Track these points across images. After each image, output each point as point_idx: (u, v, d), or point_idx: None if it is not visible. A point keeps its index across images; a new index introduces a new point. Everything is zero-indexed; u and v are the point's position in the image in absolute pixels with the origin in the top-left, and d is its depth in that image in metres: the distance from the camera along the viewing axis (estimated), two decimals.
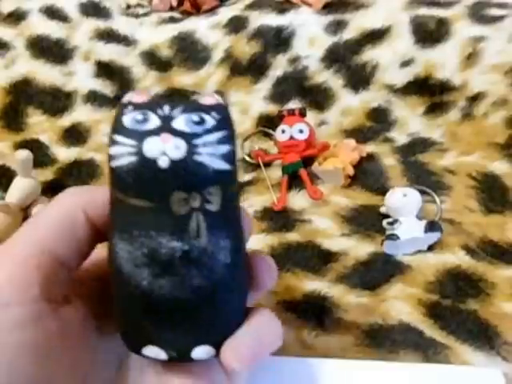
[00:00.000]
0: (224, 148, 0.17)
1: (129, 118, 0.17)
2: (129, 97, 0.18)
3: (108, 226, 0.18)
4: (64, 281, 0.19)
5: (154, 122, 0.17)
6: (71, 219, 0.19)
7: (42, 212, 0.19)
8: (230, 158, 0.17)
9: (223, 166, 0.17)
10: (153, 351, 0.19)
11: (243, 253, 0.20)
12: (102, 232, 0.20)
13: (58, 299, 0.19)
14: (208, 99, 0.18)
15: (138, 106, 0.17)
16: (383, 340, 0.31)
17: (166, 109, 0.17)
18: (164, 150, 0.16)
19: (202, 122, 0.17)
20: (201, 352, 0.19)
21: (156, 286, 0.17)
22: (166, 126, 0.17)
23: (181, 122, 0.17)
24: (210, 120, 0.17)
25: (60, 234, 0.19)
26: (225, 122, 0.18)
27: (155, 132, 0.17)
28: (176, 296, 0.18)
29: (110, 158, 0.17)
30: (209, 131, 0.17)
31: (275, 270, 0.21)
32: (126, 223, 0.18)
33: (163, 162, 0.16)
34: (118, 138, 0.17)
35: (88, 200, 0.20)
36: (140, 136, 0.16)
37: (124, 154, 0.17)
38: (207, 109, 0.18)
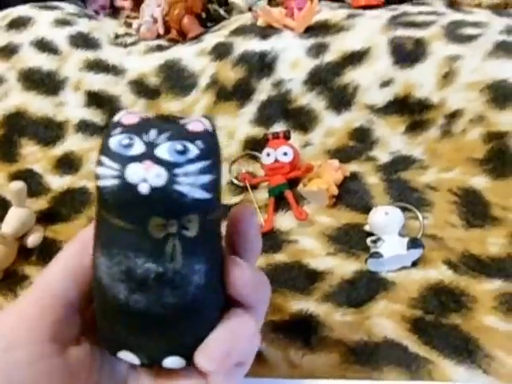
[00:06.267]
0: (205, 178, 0.17)
1: (115, 141, 0.17)
2: (119, 116, 0.19)
3: (93, 238, 0.19)
4: (74, 322, 0.21)
5: (138, 147, 0.17)
6: (74, 265, 0.21)
7: (49, 264, 0.21)
8: (210, 187, 0.18)
9: (203, 195, 0.17)
10: (127, 356, 0.20)
11: (219, 273, 0.20)
12: None
13: (66, 341, 0.20)
14: (196, 125, 0.18)
15: (125, 129, 0.18)
16: (368, 357, 0.31)
17: (153, 134, 0.17)
18: (145, 176, 0.17)
19: (184, 151, 0.17)
20: (171, 362, 0.20)
21: (132, 300, 0.18)
22: (149, 153, 0.17)
23: (164, 150, 0.17)
24: (194, 149, 0.17)
25: (66, 278, 0.21)
26: (209, 152, 0.18)
27: (138, 158, 0.17)
28: (150, 310, 0.18)
29: (96, 176, 0.18)
30: (191, 161, 0.17)
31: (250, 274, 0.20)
32: (107, 240, 0.18)
33: (143, 188, 0.17)
34: (104, 159, 0.17)
35: (82, 247, 0.21)
36: (124, 161, 0.17)
37: (108, 176, 0.17)
38: (193, 137, 0.18)
